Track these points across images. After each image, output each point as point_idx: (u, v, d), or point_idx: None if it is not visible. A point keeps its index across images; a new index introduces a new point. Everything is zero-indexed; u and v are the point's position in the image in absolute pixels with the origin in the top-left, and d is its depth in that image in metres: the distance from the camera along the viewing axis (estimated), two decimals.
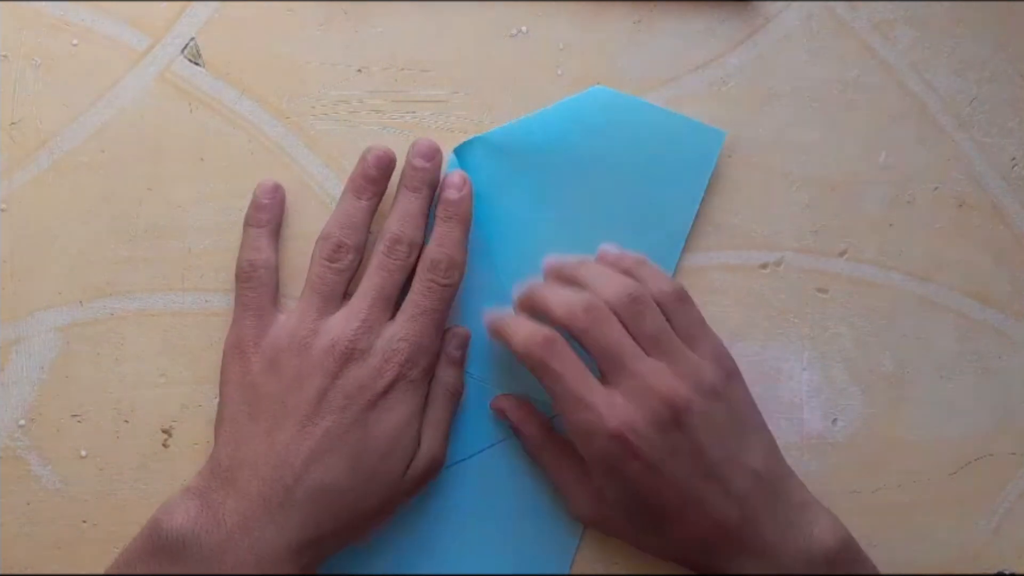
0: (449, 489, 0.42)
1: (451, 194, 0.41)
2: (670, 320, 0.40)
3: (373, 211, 0.41)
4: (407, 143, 0.42)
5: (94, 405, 0.41)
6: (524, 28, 0.43)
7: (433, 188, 0.41)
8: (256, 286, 0.40)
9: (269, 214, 0.41)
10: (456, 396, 0.41)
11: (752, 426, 0.40)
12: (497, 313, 0.41)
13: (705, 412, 0.38)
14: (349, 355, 0.38)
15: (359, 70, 0.42)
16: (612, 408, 0.37)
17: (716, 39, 0.44)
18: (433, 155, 0.41)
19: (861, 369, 0.45)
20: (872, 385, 0.45)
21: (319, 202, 0.42)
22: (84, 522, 0.40)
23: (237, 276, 0.40)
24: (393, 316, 0.40)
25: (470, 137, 0.43)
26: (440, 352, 0.41)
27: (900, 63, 0.46)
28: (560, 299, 0.39)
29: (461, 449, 0.42)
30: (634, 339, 0.39)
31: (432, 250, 0.40)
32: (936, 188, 0.46)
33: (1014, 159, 0.46)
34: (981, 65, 0.46)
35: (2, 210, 0.40)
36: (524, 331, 0.39)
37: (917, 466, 0.45)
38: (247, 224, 0.41)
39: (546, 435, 0.42)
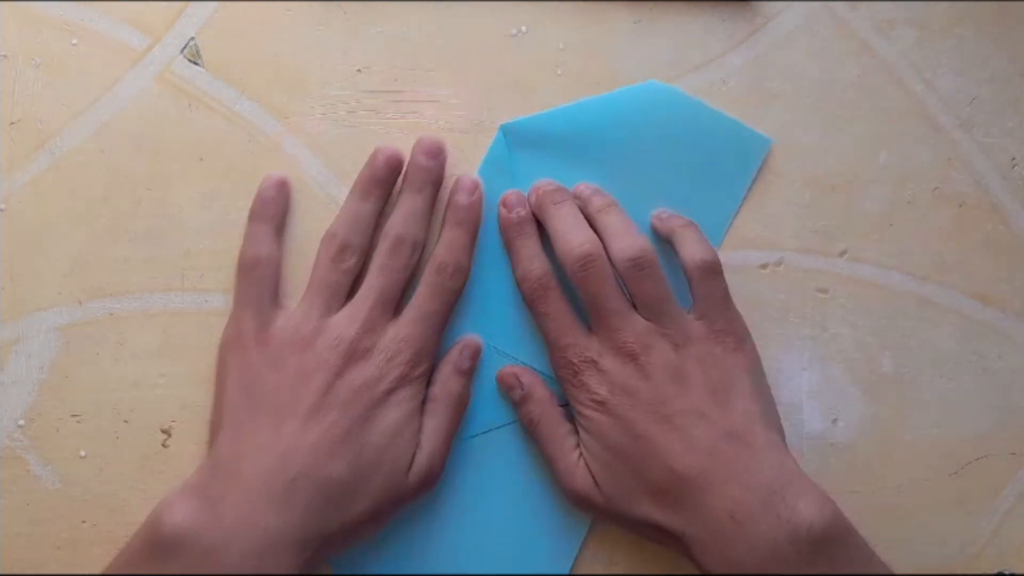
0: (464, 462, 0.42)
1: (462, 199, 0.41)
2: (693, 288, 0.40)
3: (379, 212, 0.41)
4: (406, 143, 0.42)
5: (94, 405, 0.41)
6: (524, 28, 0.43)
7: (437, 187, 0.41)
8: (258, 281, 0.40)
9: (275, 208, 0.41)
10: (462, 407, 0.41)
11: (739, 394, 0.39)
12: (514, 221, 0.41)
13: (674, 365, 0.39)
14: (352, 353, 0.38)
15: (359, 70, 0.42)
16: (583, 348, 0.40)
17: (716, 39, 0.44)
18: (438, 153, 0.41)
19: (861, 369, 0.45)
20: (872, 385, 0.45)
21: (319, 202, 0.42)
22: (84, 522, 0.40)
23: (239, 270, 0.40)
24: (396, 316, 0.40)
25: (468, 138, 0.43)
26: (447, 359, 0.41)
27: (900, 63, 0.46)
28: (566, 235, 0.40)
29: (480, 422, 0.42)
30: (635, 299, 0.40)
31: (440, 253, 0.40)
32: (936, 188, 0.46)
33: (1014, 159, 0.46)
34: (981, 65, 0.46)
35: (2, 210, 0.40)
36: (524, 264, 0.41)
37: (917, 466, 0.45)
38: (252, 218, 0.41)
39: (548, 404, 0.41)
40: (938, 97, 0.46)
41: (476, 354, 0.42)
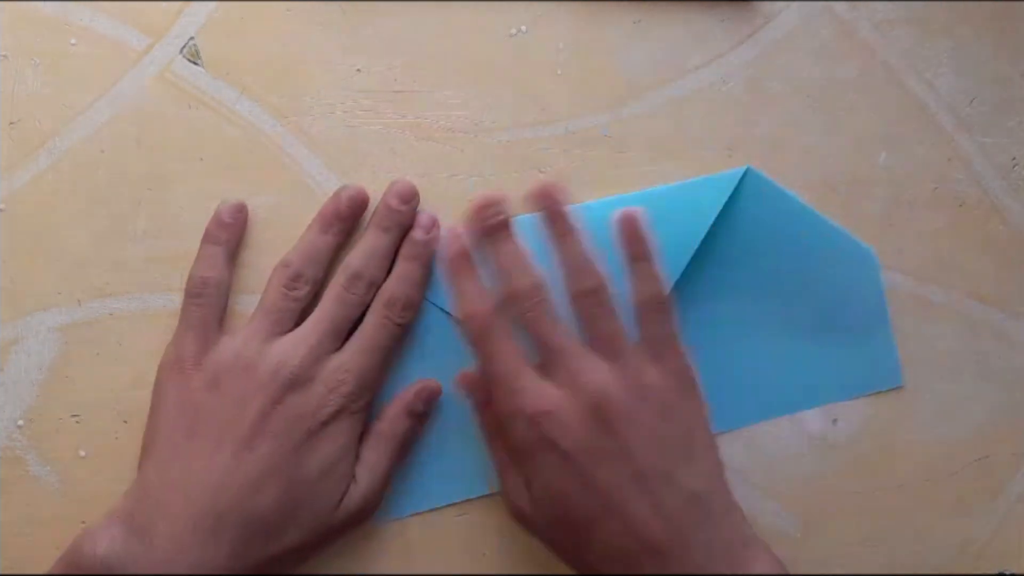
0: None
1: (419, 234, 0.41)
2: (641, 327, 0.38)
3: (338, 248, 0.40)
4: (406, 143, 0.42)
5: (93, 405, 0.41)
6: (524, 28, 0.43)
7: (404, 231, 0.41)
8: (205, 303, 0.39)
9: (229, 233, 0.40)
10: (407, 448, 0.41)
11: (700, 447, 0.38)
12: (452, 263, 0.39)
13: (639, 418, 0.37)
14: (294, 381, 0.37)
15: (359, 70, 0.42)
16: (538, 394, 0.37)
17: (716, 39, 0.44)
18: (411, 198, 0.41)
19: None
20: None
21: (319, 202, 0.42)
22: (83, 522, 0.40)
23: (187, 290, 0.40)
24: (341, 348, 0.39)
25: (468, 138, 0.43)
26: (401, 397, 0.41)
27: (900, 63, 0.46)
28: (513, 270, 0.38)
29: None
30: (586, 335, 0.38)
31: (391, 286, 0.40)
32: (936, 188, 0.46)
33: (1014, 159, 0.46)
34: (981, 65, 0.46)
35: (2, 210, 0.40)
36: (467, 302, 0.39)
37: (917, 466, 0.45)
38: (205, 240, 0.40)
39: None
40: (938, 97, 0.46)
41: (432, 398, 0.41)
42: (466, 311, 0.39)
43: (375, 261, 0.40)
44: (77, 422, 0.40)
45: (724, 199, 0.42)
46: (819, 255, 0.44)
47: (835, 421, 0.45)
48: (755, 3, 0.45)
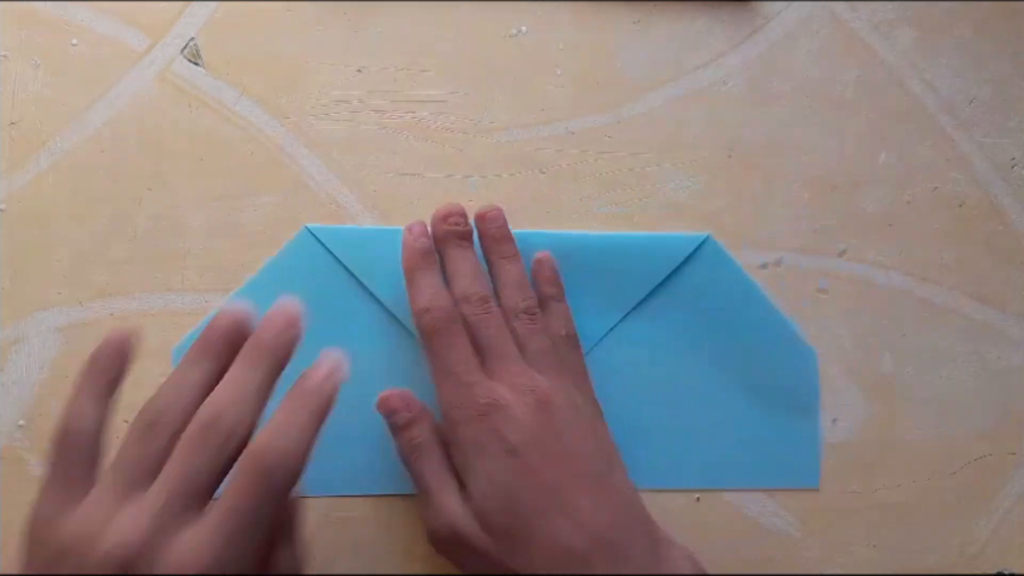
0: None
1: (313, 380, 0.32)
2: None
3: (209, 385, 0.32)
4: (406, 143, 0.42)
5: None
6: (524, 28, 0.43)
7: (281, 363, 0.32)
8: (70, 456, 0.32)
9: (108, 377, 0.33)
10: None
11: (616, 462, 0.39)
12: (419, 251, 0.40)
13: (577, 426, 0.38)
14: (126, 569, 0.28)
15: (359, 70, 0.42)
16: (490, 388, 0.37)
17: (716, 39, 0.44)
18: (291, 324, 0.32)
19: (861, 369, 0.45)
20: (872, 385, 0.45)
21: (319, 202, 0.42)
22: None
23: (53, 442, 0.32)
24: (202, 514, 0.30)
25: (468, 138, 0.43)
26: None
27: (900, 63, 0.46)
28: (466, 277, 0.39)
29: None
30: (520, 351, 0.39)
31: (266, 435, 0.30)
32: (936, 188, 0.46)
33: (1014, 159, 0.46)
34: (981, 65, 0.46)
35: (2, 210, 0.40)
36: (426, 297, 0.39)
37: (917, 466, 0.45)
38: (78, 382, 0.33)
39: (435, 431, 0.39)
40: (938, 97, 0.46)
41: None
42: (423, 305, 0.39)
43: (241, 402, 0.31)
44: None
45: (679, 260, 0.43)
46: (762, 341, 0.44)
47: (835, 421, 0.45)
48: (755, 3, 0.45)
